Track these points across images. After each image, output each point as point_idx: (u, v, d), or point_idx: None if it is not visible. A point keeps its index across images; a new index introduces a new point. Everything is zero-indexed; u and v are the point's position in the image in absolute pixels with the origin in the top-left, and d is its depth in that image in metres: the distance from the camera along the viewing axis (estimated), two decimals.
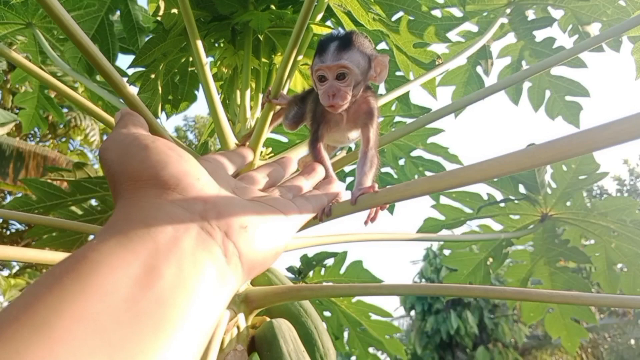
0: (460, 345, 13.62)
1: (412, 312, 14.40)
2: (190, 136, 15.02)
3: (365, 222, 0.53)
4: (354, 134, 0.61)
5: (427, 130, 1.55)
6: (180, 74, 1.09)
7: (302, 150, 0.82)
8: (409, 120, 1.48)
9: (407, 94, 1.36)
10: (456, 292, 1.11)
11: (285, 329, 0.64)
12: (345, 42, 0.55)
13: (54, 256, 0.78)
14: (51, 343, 0.20)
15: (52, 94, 1.65)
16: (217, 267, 0.29)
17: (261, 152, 0.75)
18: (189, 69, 1.08)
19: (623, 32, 1.16)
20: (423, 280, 13.63)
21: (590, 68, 1.41)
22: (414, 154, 1.71)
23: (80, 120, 8.27)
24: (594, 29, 1.36)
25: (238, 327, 0.65)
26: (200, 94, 1.23)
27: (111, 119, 0.86)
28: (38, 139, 8.88)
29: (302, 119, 0.66)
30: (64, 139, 9.02)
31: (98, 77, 1.34)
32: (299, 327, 0.68)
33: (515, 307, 1.86)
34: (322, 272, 1.70)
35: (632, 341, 13.35)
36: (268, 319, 0.69)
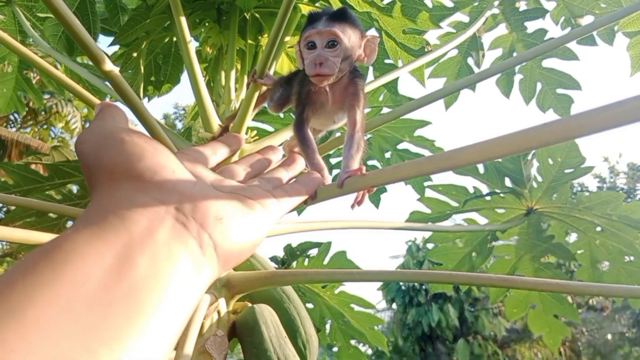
0: (441, 337, 13.78)
1: (394, 305, 14.51)
2: (179, 125, 14.85)
3: (352, 206, 0.52)
4: (340, 117, 0.59)
5: (414, 122, 1.54)
6: (163, 54, 1.05)
7: (288, 134, 0.80)
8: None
9: (395, 81, 1.33)
10: (440, 279, 1.10)
11: (267, 314, 0.63)
12: (339, 13, 0.54)
13: (38, 237, 0.75)
14: (23, 328, 0.20)
15: (32, 77, 1.60)
16: (192, 258, 0.29)
17: (245, 135, 0.73)
18: (173, 50, 1.05)
19: (614, 21, 1.15)
20: None
21: (582, 62, 1.41)
22: (400, 146, 1.69)
23: (62, 107, 8.13)
24: (587, 22, 1.35)
25: (219, 312, 0.63)
26: (185, 77, 1.20)
27: (94, 99, 0.83)
28: (19, 125, 8.72)
29: (288, 101, 0.64)
30: (45, 126, 8.86)
31: (79, 59, 1.30)
32: (281, 313, 0.66)
33: (497, 300, 1.87)
34: (306, 262, 1.68)
35: (609, 336, 13.64)
36: (250, 305, 0.67)
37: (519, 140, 0.39)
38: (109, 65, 0.54)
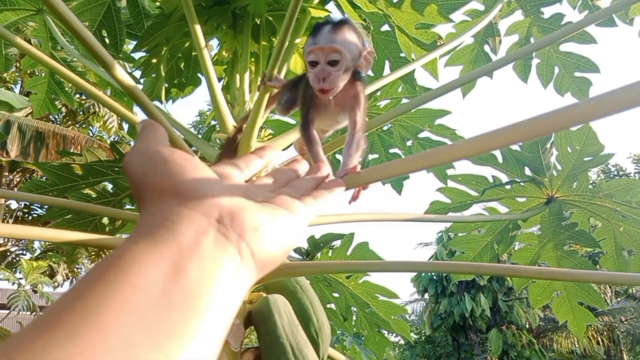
0: (474, 327, 13.65)
1: (426, 295, 14.44)
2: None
3: (350, 202, 0.55)
4: (343, 117, 0.62)
5: (434, 112, 1.55)
6: (184, 59, 1.10)
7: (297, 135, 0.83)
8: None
9: (411, 73, 1.35)
10: (464, 269, 1.12)
11: (280, 304, 0.67)
12: (339, 26, 0.56)
13: (70, 236, 0.81)
14: (102, 326, 0.24)
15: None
16: (233, 263, 0.33)
17: (259, 134, 0.77)
18: (193, 54, 1.10)
19: (634, 2, 1.14)
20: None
21: (601, 44, 1.39)
22: (421, 135, 1.71)
23: (99, 107, 8.37)
24: (605, 2, 1.34)
25: None
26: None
27: (115, 105, 0.88)
28: (58, 126, 9.02)
29: (294, 103, 0.68)
30: (83, 125, 9.15)
31: None
32: (295, 303, 0.70)
33: (521, 288, 1.86)
34: (330, 254, 1.72)
35: None
36: (264, 295, 0.71)
37: (534, 127, 0.42)
38: (119, 72, 0.58)
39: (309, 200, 0.46)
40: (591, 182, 1.33)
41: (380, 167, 0.46)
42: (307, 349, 0.62)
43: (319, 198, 0.48)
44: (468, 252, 1.66)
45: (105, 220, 1.57)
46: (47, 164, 1.39)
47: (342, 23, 0.57)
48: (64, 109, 7.93)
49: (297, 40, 0.86)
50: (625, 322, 13.35)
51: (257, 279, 0.36)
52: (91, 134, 9.27)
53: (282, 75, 0.79)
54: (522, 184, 1.44)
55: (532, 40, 1.49)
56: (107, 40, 1.21)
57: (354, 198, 0.55)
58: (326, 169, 0.56)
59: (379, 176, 0.46)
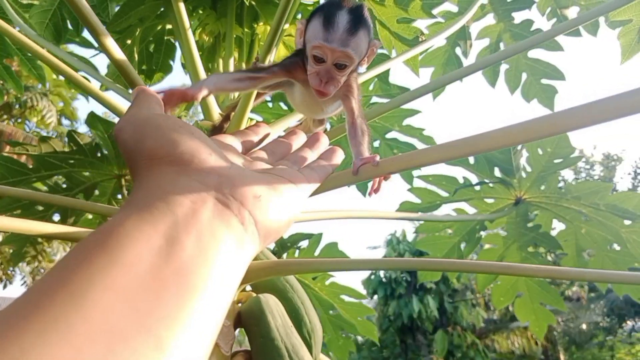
0: (421, 328, 13.96)
1: (375, 297, 14.63)
2: None
3: (370, 194, 0.52)
4: (330, 107, 0.58)
5: (403, 111, 1.54)
6: (155, 43, 1.03)
7: (287, 123, 0.79)
8: (386, 101, 1.47)
9: (387, 72, 1.34)
10: (434, 267, 1.11)
11: (272, 304, 0.62)
12: (357, 21, 0.49)
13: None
14: (85, 311, 0.22)
15: (12, 64, 1.55)
16: (234, 235, 0.31)
17: (249, 120, 0.72)
18: (165, 38, 1.03)
19: (600, 15, 1.17)
20: None
21: (567, 51, 1.43)
22: (388, 135, 1.70)
23: (37, 101, 7.94)
24: (572, 12, 1.37)
25: None
26: (176, 65, 1.18)
27: (89, 85, 0.80)
28: None
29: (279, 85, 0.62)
30: (19, 120, 8.64)
31: (68, 45, 1.27)
32: (286, 303, 0.66)
33: (484, 288, 1.90)
34: (296, 254, 1.68)
35: (584, 325, 13.98)
36: (254, 294, 0.66)
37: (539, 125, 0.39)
38: (111, 43, 0.52)
39: (308, 171, 0.44)
40: (561, 181, 1.36)
41: (405, 155, 0.43)
42: (303, 352, 0.58)
43: (319, 169, 0.46)
44: (435, 252, 1.66)
45: (56, 217, 1.46)
46: None
47: (359, 15, 0.50)
48: None
49: (285, 26, 0.82)
50: (561, 323, 14.04)
51: (260, 250, 0.34)
52: (27, 130, 8.78)
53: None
54: (491, 185, 1.46)
55: (502, 44, 1.51)
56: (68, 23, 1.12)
57: (375, 190, 0.51)
58: (325, 139, 0.54)
59: (405, 165, 0.43)
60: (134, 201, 0.30)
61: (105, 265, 0.24)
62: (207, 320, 0.26)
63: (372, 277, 14.65)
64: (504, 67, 1.53)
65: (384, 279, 14.10)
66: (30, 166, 1.25)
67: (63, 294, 0.22)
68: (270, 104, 1.39)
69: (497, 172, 1.44)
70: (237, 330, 0.64)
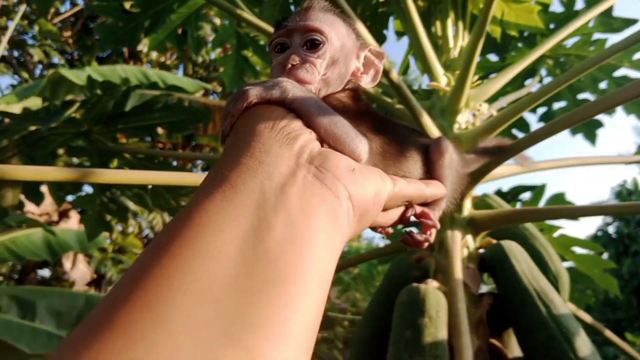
0: None
1: (605, 255, 13.13)
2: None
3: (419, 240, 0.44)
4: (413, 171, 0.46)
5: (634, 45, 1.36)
6: (370, 17, 1.11)
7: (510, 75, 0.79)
8: (609, 36, 1.32)
9: (609, 9, 1.20)
10: None
11: (515, 249, 0.65)
12: (322, 5, 0.42)
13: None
14: (165, 324, 0.20)
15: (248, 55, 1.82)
16: (328, 210, 0.28)
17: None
18: (379, 10, 1.10)
19: None
20: (616, 221, 12.30)
21: None
22: (616, 74, 1.52)
23: None
24: None
25: (467, 247, 0.67)
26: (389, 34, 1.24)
27: None
28: (221, 101, 9.84)
29: None
30: None
31: None
32: (527, 249, 0.68)
33: None
34: (518, 207, 1.63)
35: None
36: (494, 241, 0.70)
37: None
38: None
39: (409, 179, 0.41)
40: None
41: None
42: (553, 295, 0.59)
43: (411, 182, 0.41)
44: None
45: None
46: None
47: (320, 5, 0.42)
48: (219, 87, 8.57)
49: None
50: None
51: (353, 234, 0.31)
52: None
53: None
54: None
55: None
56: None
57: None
58: (439, 190, 0.45)
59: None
60: (219, 171, 0.28)
61: (186, 262, 0.22)
62: (301, 316, 0.23)
63: (599, 233, 13.17)
64: None
65: (613, 235, 12.51)
66: None
67: (141, 304, 0.20)
68: None
69: None
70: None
